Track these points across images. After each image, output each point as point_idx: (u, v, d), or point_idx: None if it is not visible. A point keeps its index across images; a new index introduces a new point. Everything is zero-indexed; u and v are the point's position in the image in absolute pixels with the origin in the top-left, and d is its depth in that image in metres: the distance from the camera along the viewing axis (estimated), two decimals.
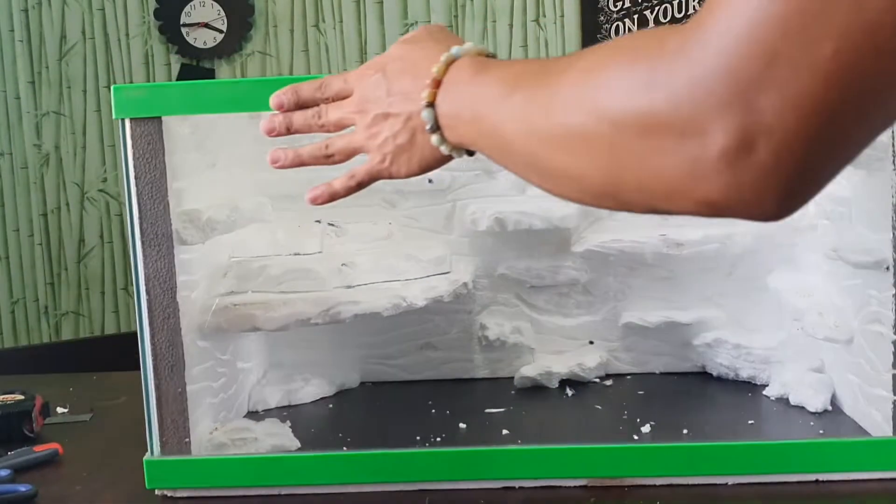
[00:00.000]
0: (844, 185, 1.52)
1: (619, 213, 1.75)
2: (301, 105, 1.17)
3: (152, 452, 1.43)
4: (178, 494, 1.43)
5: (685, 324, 1.83)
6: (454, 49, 1.01)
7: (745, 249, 1.77)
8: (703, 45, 0.66)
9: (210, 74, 4.44)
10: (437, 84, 1.00)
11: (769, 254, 1.78)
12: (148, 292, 1.39)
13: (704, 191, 0.68)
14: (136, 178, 1.37)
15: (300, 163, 1.19)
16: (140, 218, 1.38)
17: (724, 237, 1.73)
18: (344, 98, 1.13)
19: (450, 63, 1.00)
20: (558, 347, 1.89)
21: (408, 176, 1.10)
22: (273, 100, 1.17)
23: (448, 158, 1.05)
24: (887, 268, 1.38)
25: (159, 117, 1.37)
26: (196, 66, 4.43)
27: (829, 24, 0.61)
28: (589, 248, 1.78)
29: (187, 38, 4.39)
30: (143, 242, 1.38)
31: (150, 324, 1.40)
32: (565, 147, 0.78)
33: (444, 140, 1.01)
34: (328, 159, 1.16)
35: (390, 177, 1.11)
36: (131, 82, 4.38)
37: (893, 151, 1.35)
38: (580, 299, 1.89)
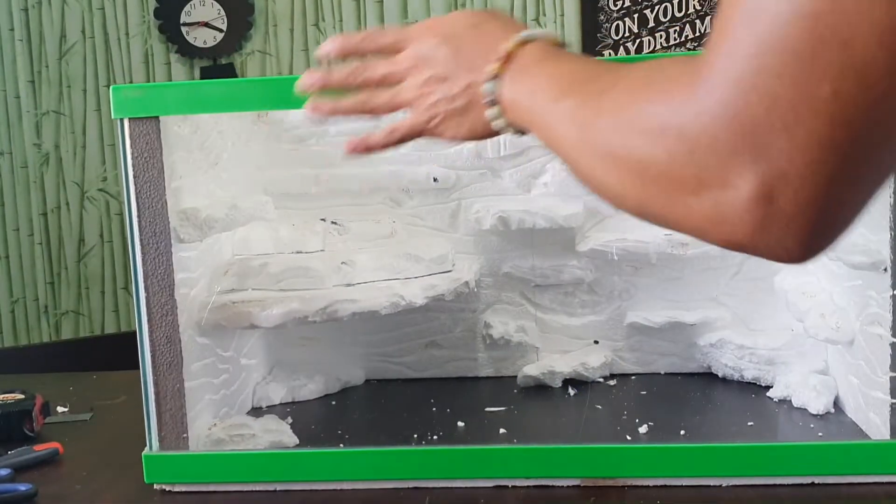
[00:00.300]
0: None
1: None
2: (348, 54, 1.18)
3: (151, 447, 1.46)
4: (177, 489, 1.46)
5: (690, 324, 1.85)
6: (528, 32, 1.02)
7: None
8: (709, 91, 0.67)
9: (231, 70, 4.46)
10: (507, 61, 1.01)
11: None
12: (146, 289, 1.42)
13: (729, 234, 0.70)
14: (134, 177, 1.40)
15: (339, 112, 1.18)
16: (138, 216, 1.41)
17: None
18: (395, 53, 1.13)
19: (523, 44, 1.02)
20: (563, 347, 1.91)
21: (451, 139, 1.12)
22: (320, 49, 1.18)
23: (497, 133, 1.07)
24: (885, 269, 1.39)
25: (157, 117, 1.39)
26: (216, 65, 4.45)
27: (822, 66, 0.62)
28: (594, 247, 1.80)
29: (187, 38, 4.42)
30: (141, 241, 1.41)
31: (149, 320, 1.43)
32: (603, 166, 0.80)
33: (500, 115, 1.03)
34: (369, 111, 1.16)
35: (432, 136, 1.13)
36: (131, 82, 4.41)
37: None
38: (585, 298, 1.91)
